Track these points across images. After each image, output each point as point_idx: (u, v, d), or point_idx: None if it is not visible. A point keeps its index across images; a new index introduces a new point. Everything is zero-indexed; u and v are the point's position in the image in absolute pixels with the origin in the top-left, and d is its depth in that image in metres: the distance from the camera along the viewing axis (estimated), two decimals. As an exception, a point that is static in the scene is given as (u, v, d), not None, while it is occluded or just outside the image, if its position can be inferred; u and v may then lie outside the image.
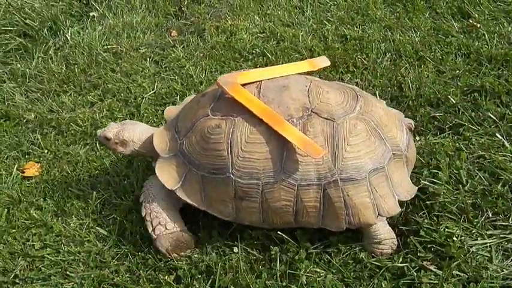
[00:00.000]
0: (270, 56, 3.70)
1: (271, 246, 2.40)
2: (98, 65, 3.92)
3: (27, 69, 3.96)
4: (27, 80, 3.89)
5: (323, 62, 2.74)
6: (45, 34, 4.33)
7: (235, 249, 2.44)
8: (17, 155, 3.30)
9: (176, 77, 3.66)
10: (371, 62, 3.50)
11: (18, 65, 4.04)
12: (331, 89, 2.36)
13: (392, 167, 2.31)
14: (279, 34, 3.96)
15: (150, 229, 2.43)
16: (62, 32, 4.33)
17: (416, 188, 2.42)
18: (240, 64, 3.69)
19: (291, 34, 3.90)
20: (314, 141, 2.19)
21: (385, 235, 2.34)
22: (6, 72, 4.01)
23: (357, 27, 3.91)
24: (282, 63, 3.52)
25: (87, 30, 4.31)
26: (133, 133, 2.59)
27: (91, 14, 4.53)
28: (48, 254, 2.66)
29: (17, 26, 4.50)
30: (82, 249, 2.64)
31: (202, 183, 2.35)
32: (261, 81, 2.42)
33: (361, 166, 2.23)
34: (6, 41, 4.38)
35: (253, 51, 3.80)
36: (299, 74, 2.56)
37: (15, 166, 3.19)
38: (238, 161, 2.25)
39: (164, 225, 2.42)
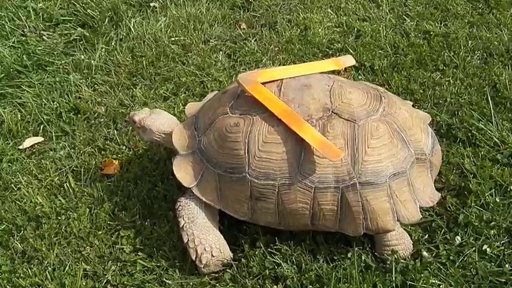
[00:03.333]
0: (352, 52, 3.51)
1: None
2: (166, 58, 3.76)
3: (92, 61, 3.79)
4: (93, 72, 3.73)
5: (349, 61, 2.69)
6: (107, 25, 4.13)
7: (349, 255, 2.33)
8: (92, 151, 3.15)
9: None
10: (460, 60, 3.30)
11: (82, 56, 3.88)
12: (354, 89, 2.31)
13: (414, 172, 2.26)
14: (356, 29, 3.77)
15: (193, 257, 2.33)
16: (123, 22, 4.15)
17: (440, 194, 2.35)
18: (320, 59, 3.51)
19: (370, 29, 3.72)
20: (333, 143, 2.16)
21: (398, 237, 2.29)
22: (69, 64, 3.83)
23: (438, 23, 3.72)
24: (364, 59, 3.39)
25: (150, 21, 4.13)
26: (155, 122, 2.61)
27: (151, 4, 4.36)
28: (140, 259, 2.50)
29: (76, 15, 4.33)
30: (177, 254, 2.47)
31: (219, 182, 2.31)
32: (283, 79, 2.38)
33: (382, 170, 2.18)
34: (66, 31, 4.20)
35: (333, 46, 3.62)
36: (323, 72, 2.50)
37: (93, 163, 3.02)
38: (254, 161, 2.23)
39: (210, 252, 2.33)
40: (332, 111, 2.24)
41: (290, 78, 2.39)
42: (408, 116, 2.34)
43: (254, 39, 3.81)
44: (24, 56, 3.91)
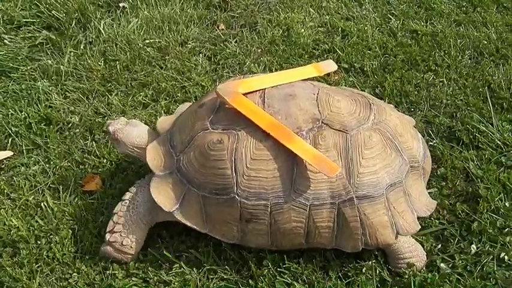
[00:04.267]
0: (340, 53, 3.38)
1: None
2: (142, 61, 3.52)
3: (61, 66, 3.51)
4: (63, 78, 3.45)
5: (330, 66, 2.58)
6: (74, 27, 3.85)
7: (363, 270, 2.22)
8: (69, 165, 2.89)
9: (237, 75, 3.29)
10: (452, 60, 3.21)
11: (49, 61, 3.59)
12: (341, 96, 2.21)
13: (410, 181, 2.18)
14: (340, 28, 3.63)
15: (108, 229, 2.29)
16: (92, 24, 3.87)
17: (436, 202, 2.27)
18: (307, 61, 3.36)
19: (355, 29, 3.60)
20: (326, 156, 2.04)
21: (411, 249, 2.21)
22: (36, 70, 3.53)
23: (424, 21, 3.63)
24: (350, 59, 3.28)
25: (120, 23, 3.87)
26: (129, 135, 2.45)
27: (121, 4, 4.10)
28: (135, 285, 2.28)
29: (40, 17, 4.01)
30: (175, 278, 2.28)
31: (204, 204, 2.15)
32: (264, 89, 2.23)
33: (378, 182, 2.09)
34: (30, 34, 3.89)
35: (319, 47, 3.47)
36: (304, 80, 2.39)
37: (72, 179, 2.77)
38: (243, 180, 2.07)
39: (122, 238, 2.29)
40: (322, 122, 2.11)
41: (272, 87, 2.24)
42: (399, 122, 2.25)
43: (234, 40, 3.62)
44: (-15, 63, 3.57)
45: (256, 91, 2.23)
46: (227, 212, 2.13)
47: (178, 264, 2.37)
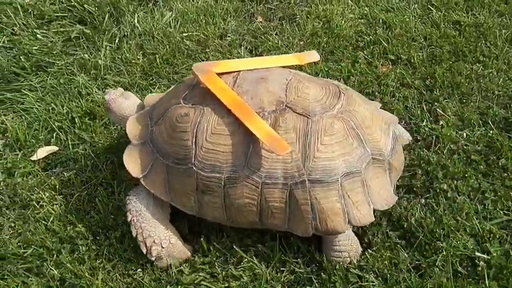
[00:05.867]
0: (385, 44, 3.33)
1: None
2: (182, 54, 3.46)
3: (99, 60, 3.44)
4: (102, 72, 3.37)
5: (312, 56, 2.60)
6: (107, 21, 3.78)
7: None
8: (119, 160, 2.81)
9: (285, 67, 3.23)
10: (499, 51, 3.18)
11: (86, 55, 3.52)
12: (312, 84, 2.25)
13: (370, 173, 2.17)
14: (381, 20, 3.59)
15: (144, 250, 2.28)
16: (125, 18, 3.81)
17: (396, 197, 2.26)
18: (351, 53, 3.32)
19: (397, 20, 3.54)
20: (284, 138, 2.08)
21: (347, 242, 2.20)
22: (73, 64, 3.47)
23: (465, 12, 3.59)
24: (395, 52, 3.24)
25: (155, 16, 3.80)
26: (120, 105, 2.61)
27: (152, -2, 4.03)
28: (203, 280, 2.23)
29: (71, 11, 3.94)
30: (246, 271, 2.23)
31: (167, 173, 2.24)
32: (240, 71, 2.32)
33: (334, 168, 2.09)
34: (63, 29, 3.82)
35: (362, 39, 3.42)
36: (284, 67, 2.43)
37: (124, 174, 2.71)
38: (201, 152, 2.15)
39: (160, 244, 2.28)
40: (286, 105, 2.16)
41: (249, 70, 2.33)
42: (368, 114, 2.25)
43: (275, 32, 3.56)
44: (21, 57, 3.50)
45: (232, 72, 2.31)
46: (185, 182, 2.18)
47: (246, 259, 2.31)
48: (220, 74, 2.30)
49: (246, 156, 2.10)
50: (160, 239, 2.27)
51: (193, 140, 2.16)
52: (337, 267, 2.25)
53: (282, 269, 2.31)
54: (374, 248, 2.32)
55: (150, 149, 2.30)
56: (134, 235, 2.28)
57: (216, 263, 2.34)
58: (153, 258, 2.28)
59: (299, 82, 2.23)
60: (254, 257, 2.32)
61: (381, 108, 2.62)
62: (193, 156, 2.16)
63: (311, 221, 2.11)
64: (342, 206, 2.11)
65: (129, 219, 2.30)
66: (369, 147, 2.18)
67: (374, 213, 2.19)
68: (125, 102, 2.63)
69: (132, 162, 2.31)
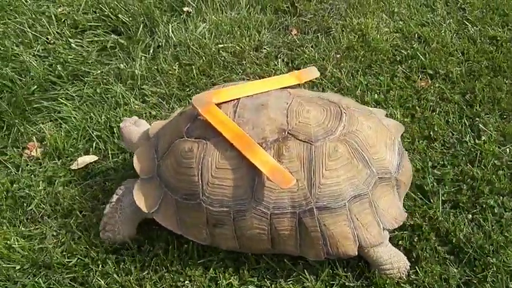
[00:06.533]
0: (423, 59, 3.33)
1: None
2: (218, 66, 3.46)
3: (135, 70, 3.45)
4: (139, 82, 3.38)
5: (311, 73, 2.58)
6: (141, 31, 3.80)
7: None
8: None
9: (323, 81, 3.24)
10: (541, 67, 3.17)
11: (121, 65, 3.52)
12: (312, 106, 2.23)
13: (378, 193, 2.18)
14: (416, 34, 3.59)
15: (100, 227, 2.47)
16: (159, 28, 3.82)
17: (406, 214, 2.26)
18: (389, 67, 3.33)
19: (432, 34, 3.54)
20: (288, 167, 2.09)
21: (391, 259, 2.21)
22: (109, 73, 3.48)
23: (500, 28, 3.59)
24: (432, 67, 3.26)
25: (189, 27, 3.81)
26: (129, 133, 2.68)
27: (185, 9, 4.05)
28: (254, 292, 2.21)
29: (105, 21, 3.96)
30: (295, 285, 2.20)
31: (177, 208, 2.26)
32: (239, 99, 2.30)
33: (340, 193, 2.11)
34: (96, 38, 3.84)
35: (400, 53, 3.42)
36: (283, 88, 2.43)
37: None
38: (208, 188, 2.17)
39: (114, 235, 2.46)
40: (288, 132, 2.15)
41: (248, 97, 2.31)
42: (371, 133, 2.23)
43: (311, 45, 3.56)
44: (58, 66, 3.51)
45: (232, 101, 2.30)
46: (195, 216, 2.21)
47: (296, 272, 2.30)
48: (220, 104, 2.29)
49: (252, 189, 2.12)
50: (118, 233, 2.44)
51: (200, 176, 2.18)
52: (387, 281, 2.23)
53: (331, 282, 2.29)
54: (423, 263, 2.29)
55: (158, 183, 2.32)
56: (104, 212, 2.47)
57: (265, 276, 2.31)
58: (101, 236, 2.49)
59: (300, 105, 2.22)
60: (304, 271, 2.29)
61: (386, 115, 2.64)
62: (201, 192, 2.18)
63: (322, 246, 2.14)
64: (351, 229, 2.13)
65: (112, 199, 2.47)
66: (374, 167, 2.18)
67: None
68: (135, 130, 2.68)
69: (142, 198, 2.33)
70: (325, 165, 2.10)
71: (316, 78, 3.09)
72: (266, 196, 2.11)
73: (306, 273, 2.30)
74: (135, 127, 2.70)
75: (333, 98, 2.41)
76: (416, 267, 2.29)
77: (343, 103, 2.36)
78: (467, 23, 3.63)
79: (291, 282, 2.30)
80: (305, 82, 2.65)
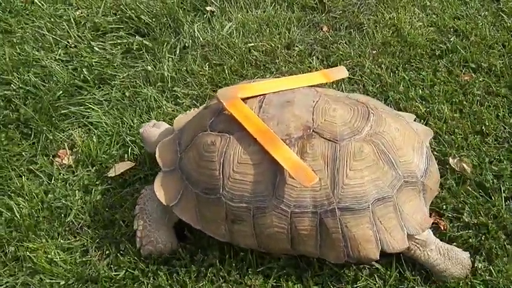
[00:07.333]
0: (463, 52, 3.22)
1: None
2: (250, 65, 3.34)
3: (165, 72, 3.32)
4: (169, 85, 3.25)
5: (340, 73, 2.53)
6: (166, 32, 3.67)
7: None
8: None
9: (363, 77, 3.13)
10: None
11: (149, 67, 3.39)
12: (339, 105, 2.17)
13: (403, 197, 2.10)
14: (452, 28, 3.48)
15: (138, 245, 2.35)
16: (184, 28, 3.69)
17: (431, 220, 2.16)
18: (428, 62, 3.25)
19: (469, 27, 3.43)
20: (312, 165, 2.02)
21: (442, 260, 2.16)
22: (137, 76, 3.35)
23: (538, 19, 3.48)
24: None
25: (215, 27, 3.68)
26: (149, 135, 2.64)
27: (208, 8, 3.92)
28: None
29: (127, 23, 3.83)
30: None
31: (197, 202, 2.20)
32: (265, 95, 2.25)
33: (364, 195, 2.03)
34: (119, 41, 3.70)
35: (438, 47, 3.31)
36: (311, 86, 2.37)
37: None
38: (229, 183, 2.11)
39: (154, 246, 2.34)
40: (313, 130, 2.09)
41: (274, 93, 2.26)
42: (398, 135, 2.16)
43: (344, 42, 3.44)
44: (83, 70, 3.37)
45: (258, 96, 2.25)
46: (215, 211, 2.16)
47: (363, 277, 2.19)
48: (245, 99, 2.24)
49: (274, 186, 2.06)
50: (157, 242, 2.32)
51: (221, 170, 2.12)
52: (460, 284, 2.11)
53: (400, 287, 2.17)
54: (497, 262, 2.18)
55: (179, 176, 2.27)
56: (135, 228, 2.35)
57: (329, 282, 2.20)
58: (143, 254, 2.35)
59: (326, 103, 2.16)
60: (371, 275, 2.18)
61: (415, 120, 2.57)
62: (221, 186, 2.12)
63: (343, 248, 2.06)
64: (373, 233, 2.05)
65: (135, 212, 2.38)
66: (400, 170, 2.10)
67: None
68: (155, 131, 2.64)
69: (162, 191, 2.27)
70: (350, 165, 2.03)
71: (355, 75, 3.00)
72: (287, 194, 2.04)
73: (374, 277, 2.17)
74: (155, 128, 2.66)
75: (361, 99, 2.36)
76: (491, 267, 2.16)
77: (371, 104, 2.29)
78: (503, 15, 3.52)
79: (357, 287, 2.17)
80: (333, 81, 2.60)
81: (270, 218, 2.08)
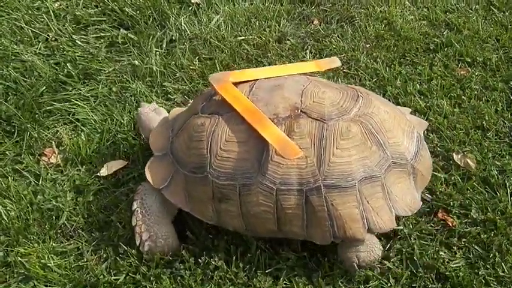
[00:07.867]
0: (458, 46, 3.20)
1: None
2: (242, 59, 3.25)
3: (153, 66, 3.20)
4: (158, 79, 3.13)
5: (332, 63, 2.55)
6: (151, 25, 3.54)
7: None
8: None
9: (359, 71, 3.07)
10: None
11: (136, 62, 3.26)
12: (328, 88, 2.20)
13: (391, 177, 2.10)
14: (444, 22, 3.46)
15: (138, 242, 2.27)
16: (170, 21, 3.57)
17: (421, 203, 2.17)
18: (423, 56, 3.22)
19: (460, 21, 3.42)
20: (299, 143, 2.04)
21: (366, 242, 2.11)
22: (124, 71, 3.22)
23: (526, 13, 3.49)
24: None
25: (202, 20, 3.58)
26: (149, 120, 2.63)
27: (193, 0, 3.80)
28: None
29: (110, 16, 3.68)
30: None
31: (186, 183, 2.21)
32: (256, 80, 2.30)
33: (351, 173, 2.03)
34: (102, 34, 3.55)
35: (432, 41, 3.29)
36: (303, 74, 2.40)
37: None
38: (216, 160, 2.13)
39: (154, 242, 2.26)
40: (301, 110, 2.11)
41: (265, 78, 2.31)
42: (388, 117, 2.18)
43: (336, 35, 3.38)
44: (68, 64, 3.21)
45: (249, 81, 2.29)
46: (202, 190, 2.16)
47: (375, 276, 2.12)
48: (236, 84, 2.28)
49: (260, 163, 2.06)
50: (157, 237, 2.25)
51: (208, 149, 2.13)
52: (475, 282, 2.08)
53: (412, 285, 2.12)
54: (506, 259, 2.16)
55: (170, 160, 2.28)
56: (133, 224, 2.27)
57: (341, 283, 2.13)
58: (144, 252, 2.26)
59: (316, 87, 2.17)
60: (383, 274, 2.12)
61: (410, 113, 2.57)
62: (209, 164, 2.13)
63: (329, 227, 2.04)
64: (360, 212, 2.04)
65: (133, 208, 2.30)
66: (389, 151, 2.10)
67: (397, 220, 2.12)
68: (155, 117, 2.61)
69: (153, 174, 2.28)
70: (337, 144, 2.03)
71: (351, 69, 3.01)
72: (273, 171, 2.04)
73: (386, 277, 2.12)
74: (154, 114, 2.64)
75: (353, 86, 2.38)
76: (503, 264, 2.13)
77: (363, 90, 2.30)
78: (494, 9, 3.52)
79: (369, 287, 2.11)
80: (326, 71, 2.65)
81: (256, 195, 2.06)
